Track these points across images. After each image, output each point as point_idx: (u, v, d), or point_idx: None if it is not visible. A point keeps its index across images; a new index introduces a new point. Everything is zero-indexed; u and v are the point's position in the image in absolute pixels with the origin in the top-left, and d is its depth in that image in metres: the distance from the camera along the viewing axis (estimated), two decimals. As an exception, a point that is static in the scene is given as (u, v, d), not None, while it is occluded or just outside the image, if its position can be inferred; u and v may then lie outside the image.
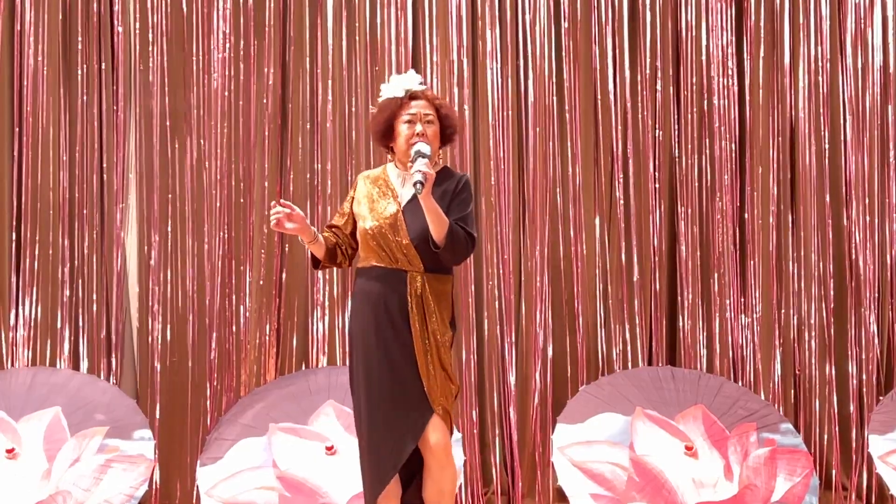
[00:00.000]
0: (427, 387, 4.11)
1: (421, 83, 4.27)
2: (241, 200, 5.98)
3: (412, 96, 4.24)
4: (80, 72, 5.97)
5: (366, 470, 4.17)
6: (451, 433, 4.21)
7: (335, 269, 5.93)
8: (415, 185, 3.99)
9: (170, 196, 5.96)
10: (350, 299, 4.27)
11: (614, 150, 6.14)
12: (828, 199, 6.14)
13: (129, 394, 5.81)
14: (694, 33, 6.17)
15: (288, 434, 5.48)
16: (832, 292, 6.12)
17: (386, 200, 4.23)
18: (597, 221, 6.12)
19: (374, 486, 4.15)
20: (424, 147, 4.12)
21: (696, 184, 6.15)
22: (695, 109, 6.16)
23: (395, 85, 4.27)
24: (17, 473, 5.27)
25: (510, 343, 6.03)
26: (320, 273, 5.96)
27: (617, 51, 6.17)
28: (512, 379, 6.02)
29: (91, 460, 5.33)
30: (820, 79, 6.17)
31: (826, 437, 6.03)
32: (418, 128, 4.19)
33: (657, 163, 6.16)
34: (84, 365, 5.88)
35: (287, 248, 6.02)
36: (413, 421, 4.11)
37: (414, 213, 4.17)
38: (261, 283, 5.96)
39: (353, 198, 4.34)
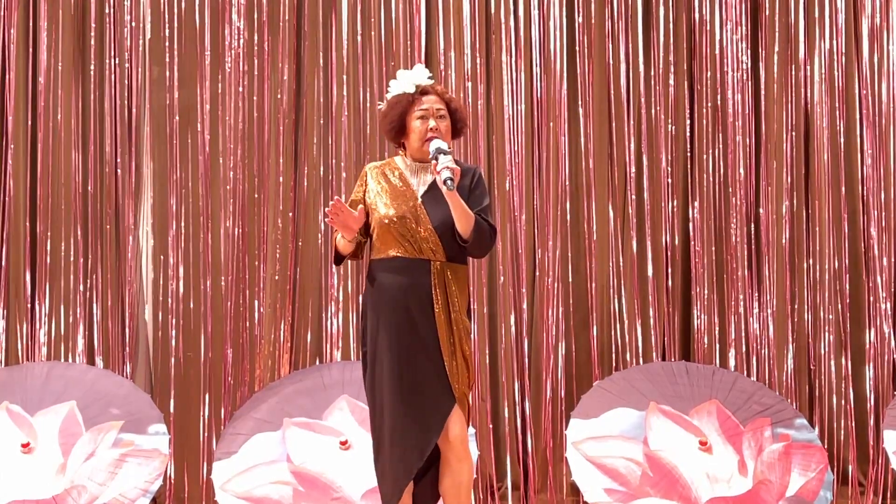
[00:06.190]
0: (450, 375, 4.09)
1: (429, 77, 4.24)
2: (256, 195, 5.99)
3: (423, 91, 4.20)
4: (93, 67, 5.98)
5: (387, 464, 4.12)
6: (469, 424, 4.20)
7: (349, 264, 5.98)
8: (445, 182, 3.96)
9: (183, 191, 5.97)
10: (365, 291, 4.23)
11: (628, 144, 6.13)
12: (843, 193, 6.12)
13: (143, 388, 5.82)
14: (708, 27, 6.15)
15: (302, 429, 5.49)
16: (847, 287, 6.10)
17: (403, 191, 4.20)
18: (610, 216, 6.11)
19: (398, 480, 4.11)
20: (443, 144, 4.11)
21: (711, 179, 6.14)
22: (709, 104, 6.14)
23: (405, 80, 4.22)
24: (33, 467, 5.29)
25: (524, 338, 6.03)
26: (335, 268, 5.97)
27: (631, 45, 6.16)
28: (526, 374, 6.01)
29: (106, 454, 5.34)
30: (835, 73, 6.15)
31: (843, 432, 6.01)
32: (431, 123, 4.16)
33: (671, 158, 6.14)
34: (99, 359, 5.90)
35: (301, 244, 6.03)
36: (437, 411, 4.08)
37: (432, 203, 4.15)
38: (276, 278, 5.97)
39: (364, 190, 4.28)
